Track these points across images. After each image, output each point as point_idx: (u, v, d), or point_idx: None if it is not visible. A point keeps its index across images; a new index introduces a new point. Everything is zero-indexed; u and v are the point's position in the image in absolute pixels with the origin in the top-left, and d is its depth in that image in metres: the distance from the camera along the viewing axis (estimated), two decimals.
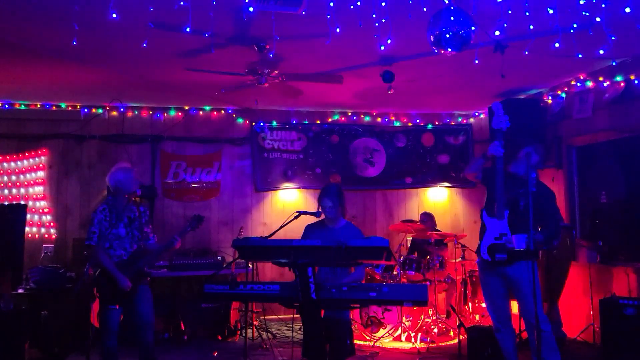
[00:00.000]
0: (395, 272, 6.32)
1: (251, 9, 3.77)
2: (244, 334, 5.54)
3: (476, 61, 4.51)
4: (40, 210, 7.12)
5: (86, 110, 7.29)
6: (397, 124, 8.19)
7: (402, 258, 6.42)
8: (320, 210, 4.09)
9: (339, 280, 3.95)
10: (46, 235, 7.09)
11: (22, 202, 6.85)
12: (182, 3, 3.62)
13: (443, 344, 5.89)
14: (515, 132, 6.48)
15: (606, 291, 5.50)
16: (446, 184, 8.23)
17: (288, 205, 7.72)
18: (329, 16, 3.80)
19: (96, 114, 7.29)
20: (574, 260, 5.63)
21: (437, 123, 8.29)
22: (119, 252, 4.32)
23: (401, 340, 6.02)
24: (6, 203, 6.86)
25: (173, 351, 5.86)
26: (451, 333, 6.19)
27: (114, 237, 4.32)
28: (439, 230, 6.85)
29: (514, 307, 6.32)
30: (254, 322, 6.54)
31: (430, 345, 5.77)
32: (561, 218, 4.13)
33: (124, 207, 4.41)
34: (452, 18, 3.69)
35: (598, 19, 3.99)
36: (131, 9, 3.92)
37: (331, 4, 3.76)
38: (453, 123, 8.34)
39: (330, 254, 3.02)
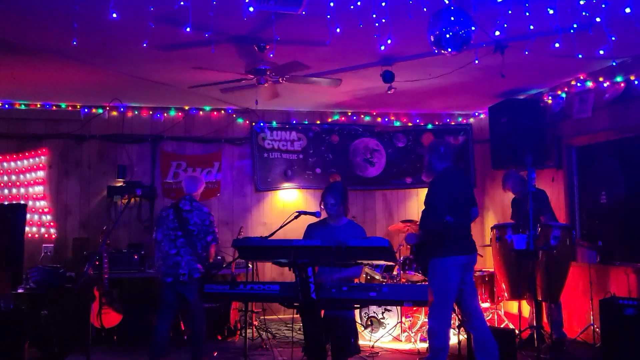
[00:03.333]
0: (395, 272, 6.32)
1: (251, 9, 3.76)
2: (243, 334, 5.54)
3: (476, 61, 4.51)
4: (40, 210, 7.13)
5: (86, 110, 7.29)
6: (397, 124, 8.19)
7: (402, 258, 6.42)
8: (319, 211, 4.09)
9: (332, 276, 3.96)
10: (46, 235, 7.10)
11: (22, 202, 6.85)
12: (182, 3, 3.62)
13: None
14: (514, 133, 6.55)
15: (606, 291, 5.50)
16: None
17: (288, 205, 7.72)
18: (329, 16, 3.80)
19: (96, 114, 7.29)
20: (573, 261, 5.62)
21: (437, 123, 8.28)
22: None
23: (401, 341, 6.02)
24: (6, 203, 6.86)
25: (173, 351, 5.85)
26: (451, 333, 6.18)
27: None
28: None
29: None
30: (254, 322, 6.54)
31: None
32: (438, 214, 4.17)
33: None
34: (452, 18, 3.69)
35: (598, 19, 3.98)
36: (131, 9, 3.91)
37: (331, 4, 3.76)
38: (453, 123, 8.33)
39: (330, 254, 3.02)
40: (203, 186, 5.31)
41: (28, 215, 6.59)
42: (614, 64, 5.41)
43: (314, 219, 4.14)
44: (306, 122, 7.93)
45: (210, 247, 5.06)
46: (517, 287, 5.52)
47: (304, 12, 3.85)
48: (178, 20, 3.97)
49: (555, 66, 5.66)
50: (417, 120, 8.23)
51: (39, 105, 7.22)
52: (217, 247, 5.40)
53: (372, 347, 5.81)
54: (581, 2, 3.88)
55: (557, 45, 4.15)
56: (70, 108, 7.30)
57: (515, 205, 6.17)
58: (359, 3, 3.79)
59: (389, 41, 3.97)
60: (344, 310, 3.92)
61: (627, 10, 3.90)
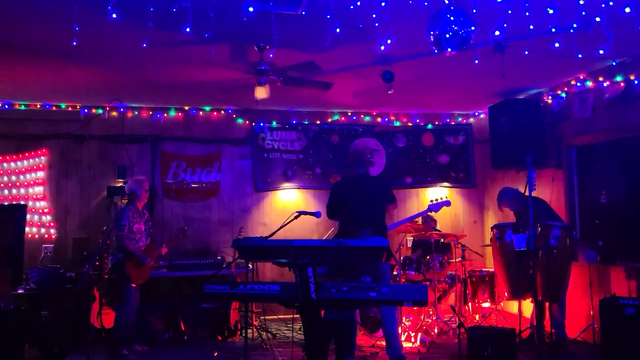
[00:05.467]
0: (395, 272, 6.32)
1: (251, 9, 3.77)
2: (244, 334, 5.54)
3: (476, 61, 4.51)
4: (40, 211, 7.12)
5: (86, 110, 7.29)
6: (397, 124, 8.19)
7: (402, 258, 6.42)
8: (320, 211, 4.10)
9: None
10: (46, 235, 7.09)
11: (22, 202, 6.85)
12: (182, 3, 3.62)
13: (443, 344, 5.88)
14: (514, 133, 6.55)
15: (606, 291, 5.50)
16: (446, 184, 8.23)
17: (288, 205, 7.72)
18: (328, 16, 3.80)
19: (96, 114, 7.29)
20: (573, 260, 5.62)
21: (437, 123, 8.28)
22: (140, 244, 5.69)
23: (401, 341, 6.01)
24: (6, 203, 6.86)
25: (173, 351, 5.86)
26: (451, 333, 6.19)
27: (137, 230, 5.66)
28: (439, 231, 6.86)
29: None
30: (254, 322, 6.54)
31: (430, 345, 5.77)
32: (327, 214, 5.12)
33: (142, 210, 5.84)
34: (451, 18, 3.69)
35: (598, 19, 3.99)
36: (131, 9, 3.92)
37: (331, 4, 3.76)
38: (453, 123, 8.33)
39: (330, 254, 3.02)
40: (134, 187, 5.78)
41: (28, 216, 6.59)
42: (614, 63, 5.41)
43: (315, 220, 4.15)
44: (306, 122, 7.93)
45: (118, 239, 5.63)
46: (517, 287, 5.52)
47: (303, 12, 3.86)
48: (178, 20, 3.97)
49: (555, 66, 5.66)
50: (417, 120, 8.23)
51: (39, 106, 7.22)
52: (123, 237, 5.53)
53: (372, 346, 5.80)
54: (581, 2, 3.88)
55: (557, 45, 4.15)
56: (70, 108, 7.30)
57: (517, 216, 6.15)
58: (359, 3, 3.79)
59: (388, 41, 3.97)
60: (346, 313, 3.92)
61: (627, 10, 3.90)
